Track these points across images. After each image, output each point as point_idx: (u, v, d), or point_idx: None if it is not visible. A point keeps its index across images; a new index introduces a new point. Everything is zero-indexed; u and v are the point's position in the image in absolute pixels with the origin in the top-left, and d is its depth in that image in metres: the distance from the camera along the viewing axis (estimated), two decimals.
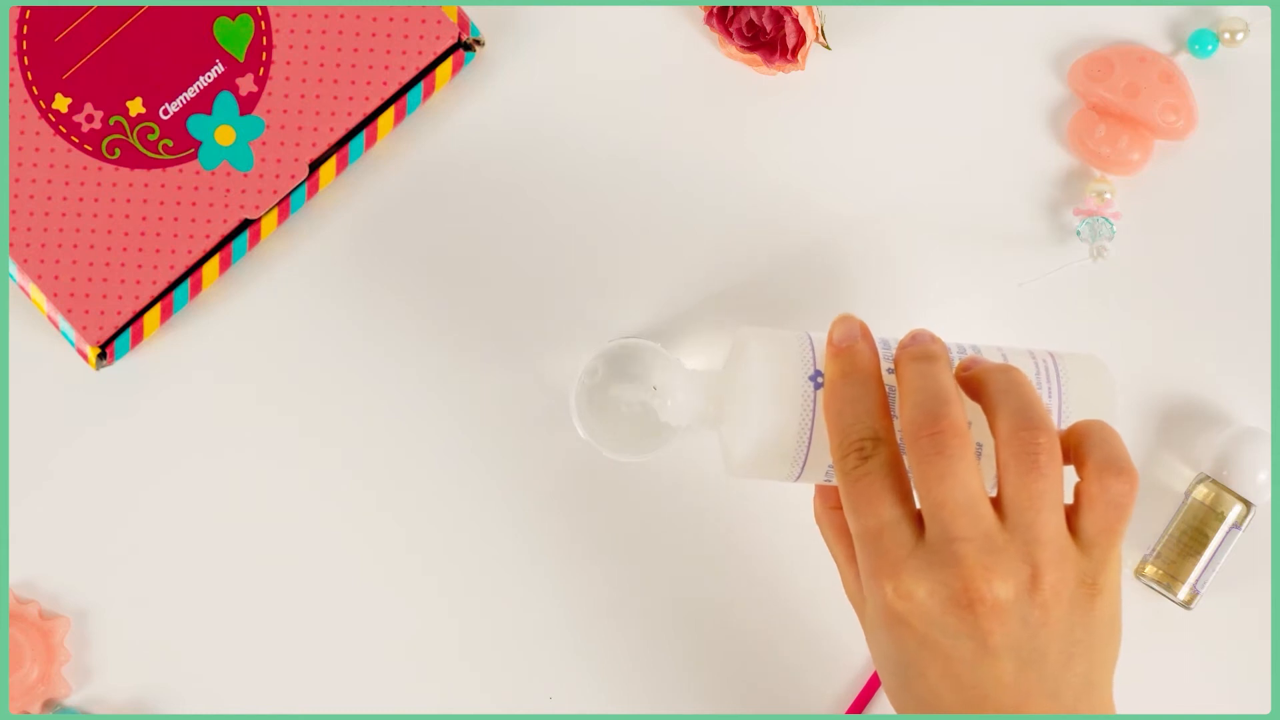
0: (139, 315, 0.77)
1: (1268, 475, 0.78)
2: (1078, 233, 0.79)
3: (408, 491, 0.79)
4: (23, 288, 0.78)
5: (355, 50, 0.78)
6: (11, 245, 0.76)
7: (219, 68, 0.77)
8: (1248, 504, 0.78)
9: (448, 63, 0.79)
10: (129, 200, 0.77)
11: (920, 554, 0.63)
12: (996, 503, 0.64)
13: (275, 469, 0.79)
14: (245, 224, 0.78)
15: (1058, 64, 0.81)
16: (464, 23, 0.79)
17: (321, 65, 0.78)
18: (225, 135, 0.77)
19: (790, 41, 0.78)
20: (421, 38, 0.78)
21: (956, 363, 0.69)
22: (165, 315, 0.78)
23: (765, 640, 0.79)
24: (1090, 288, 0.80)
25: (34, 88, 0.77)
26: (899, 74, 0.81)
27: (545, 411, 0.79)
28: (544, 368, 0.79)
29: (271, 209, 0.78)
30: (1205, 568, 0.78)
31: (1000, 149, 0.81)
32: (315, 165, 0.78)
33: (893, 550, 0.64)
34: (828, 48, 0.80)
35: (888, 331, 0.73)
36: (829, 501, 0.73)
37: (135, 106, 0.77)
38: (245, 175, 0.77)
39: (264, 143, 0.77)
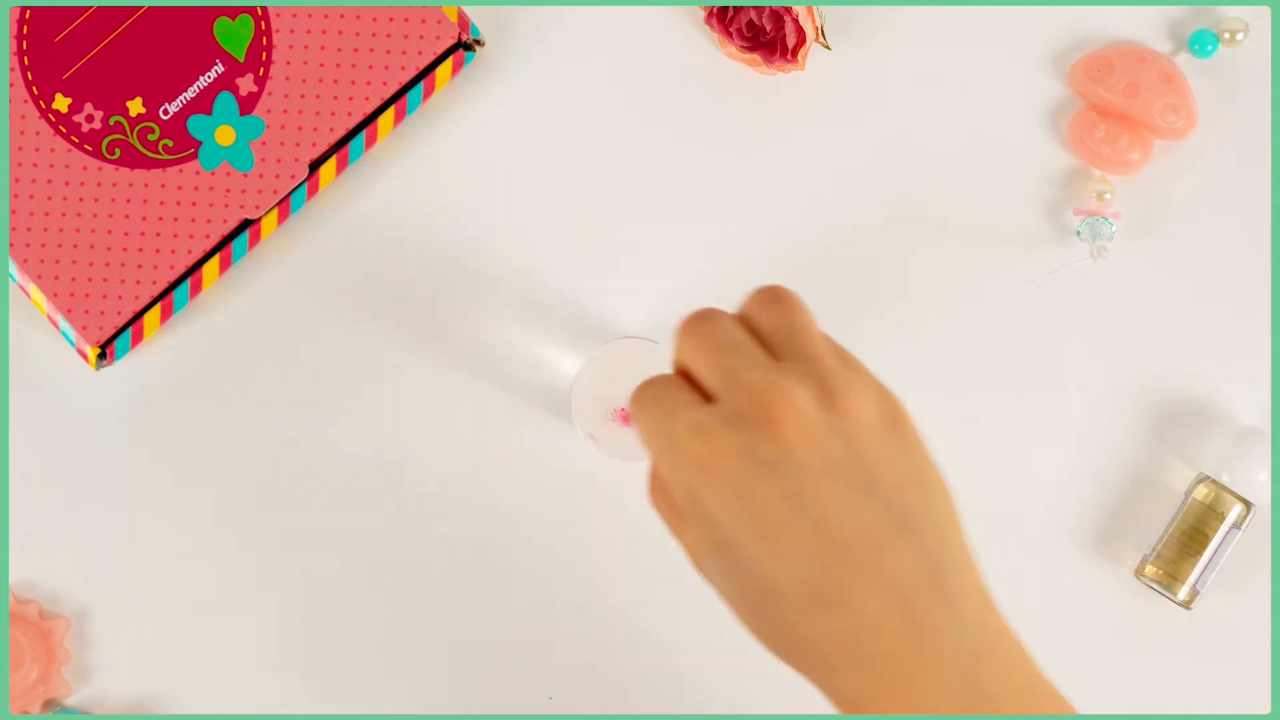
0: (139, 315, 0.77)
1: (1268, 475, 0.78)
2: (1078, 233, 0.79)
3: (407, 491, 0.79)
4: (23, 288, 0.78)
5: (355, 50, 0.78)
6: (11, 245, 0.76)
7: (219, 68, 0.77)
8: (1248, 504, 0.78)
9: (448, 63, 0.79)
10: (129, 200, 0.77)
11: (711, 406, 0.58)
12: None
13: (275, 468, 0.79)
14: (245, 224, 0.78)
15: (1058, 64, 0.81)
16: (464, 23, 0.79)
17: (321, 65, 0.78)
18: (225, 135, 0.77)
19: (790, 41, 0.78)
20: (421, 38, 0.78)
21: None
22: (165, 315, 0.78)
23: None
24: (1090, 288, 0.80)
25: (34, 88, 0.77)
26: (899, 74, 0.81)
27: (545, 411, 0.79)
28: (544, 368, 0.79)
29: (271, 209, 0.78)
30: (1205, 568, 0.78)
31: (1000, 149, 0.81)
32: (315, 165, 0.78)
33: (684, 411, 0.58)
34: (828, 48, 0.80)
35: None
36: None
37: (135, 106, 0.77)
38: (245, 175, 0.77)
39: (264, 143, 0.77)
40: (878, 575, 0.56)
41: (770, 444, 0.56)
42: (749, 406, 0.57)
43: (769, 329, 0.60)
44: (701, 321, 0.61)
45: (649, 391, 0.60)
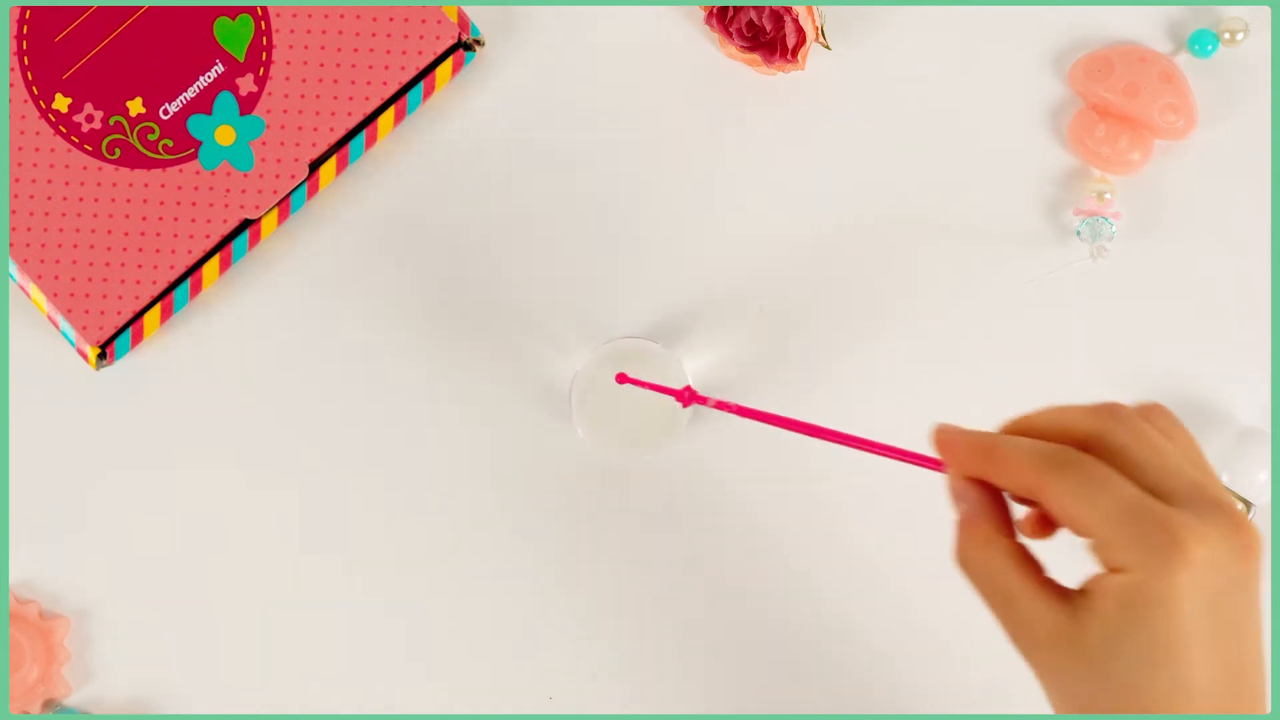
0: (139, 315, 0.77)
1: (1268, 475, 0.78)
2: (1078, 233, 0.79)
3: (408, 491, 0.79)
4: (23, 288, 0.78)
5: (355, 50, 0.78)
6: (11, 245, 0.76)
7: (219, 68, 0.77)
8: (1248, 504, 0.78)
9: (448, 63, 0.79)
10: (129, 200, 0.77)
11: (1182, 510, 0.60)
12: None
13: (276, 469, 0.79)
14: (245, 224, 0.78)
15: (1058, 64, 0.81)
16: (464, 23, 0.79)
17: (321, 65, 0.78)
18: (225, 135, 0.77)
19: (790, 41, 0.78)
20: (421, 38, 0.78)
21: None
22: (165, 315, 0.78)
23: (766, 641, 0.79)
24: (1090, 288, 0.80)
25: (34, 88, 0.77)
26: (899, 74, 0.81)
27: (545, 411, 0.79)
28: (544, 368, 0.79)
29: (271, 209, 0.78)
30: None
31: (1000, 149, 0.81)
32: (315, 165, 0.78)
33: (1159, 510, 0.59)
34: (828, 48, 0.80)
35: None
36: (1002, 529, 0.64)
37: (135, 106, 0.77)
38: (245, 175, 0.77)
39: (264, 143, 0.77)
40: (1251, 694, 0.61)
41: (1237, 560, 0.60)
42: (1224, 520, 0.60)
43: (1182, 449, 0.63)
44: (1129, 416, 0.63)
45: (1078, 471, 0.61)
